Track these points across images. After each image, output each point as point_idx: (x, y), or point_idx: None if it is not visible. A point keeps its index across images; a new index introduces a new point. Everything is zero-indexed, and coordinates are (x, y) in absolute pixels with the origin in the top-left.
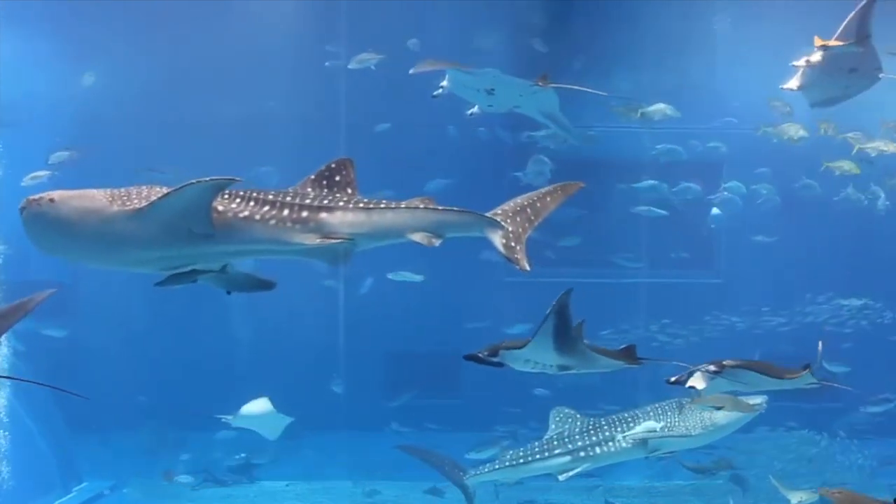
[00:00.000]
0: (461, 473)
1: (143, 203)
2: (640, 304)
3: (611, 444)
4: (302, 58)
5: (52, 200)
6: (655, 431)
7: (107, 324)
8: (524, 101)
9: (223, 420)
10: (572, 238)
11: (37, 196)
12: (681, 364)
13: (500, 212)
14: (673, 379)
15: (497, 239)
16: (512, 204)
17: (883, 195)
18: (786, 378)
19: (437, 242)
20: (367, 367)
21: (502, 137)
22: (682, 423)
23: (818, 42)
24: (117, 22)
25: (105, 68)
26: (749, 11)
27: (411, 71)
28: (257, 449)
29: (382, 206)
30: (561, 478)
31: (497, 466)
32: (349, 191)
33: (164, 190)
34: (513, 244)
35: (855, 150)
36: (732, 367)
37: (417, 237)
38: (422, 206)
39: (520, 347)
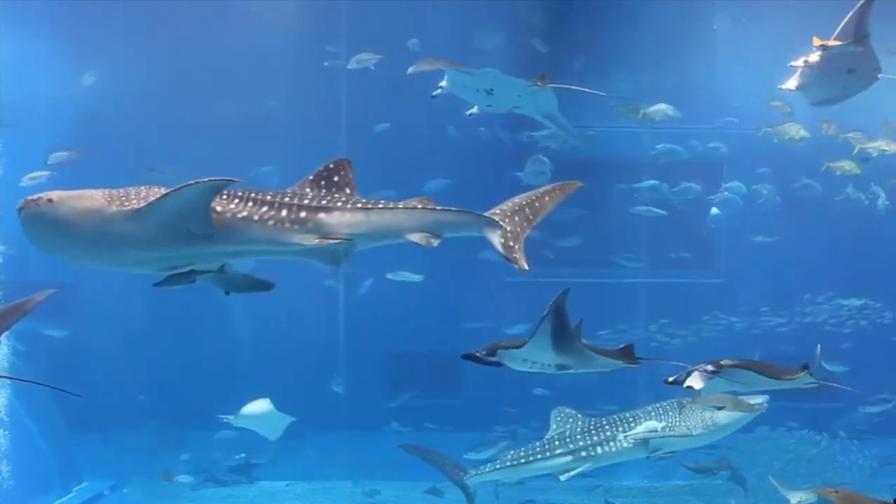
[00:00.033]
0: (462, 473)
1: (142, 203)
2: (639, 304)
3: (612, 443)
4: (302, 58)
5: (50, 201)
6: (657, 431)
7: (107, 324)
8: (523, 102)
9: (225, 420)
10: (572, 238)
11: (35, 196)
12: (679, 364)
13: (498, 211)
14: (671, 379)
15: (495, 238)
16: (510, 203)
17: (883, 195)
18: (783, 378)
19: (435, 243)
20: (367, 367)
21: (502, 137)
22: (683, 423)
23: (817, 42)
24: (117, 22)
25: (105, 68)
26: (749, 11)
27: (409, 70)
28: (257, 449)
29: (380, 206)
30: (562, 478)
31: (498, 466)
32: (347, 191)
33: (163, 190)
34: (511, 243)
35: (856, 150)
36: (730, 366)
37: (416, 237)
38: (420, 206)
39: (518, 347)
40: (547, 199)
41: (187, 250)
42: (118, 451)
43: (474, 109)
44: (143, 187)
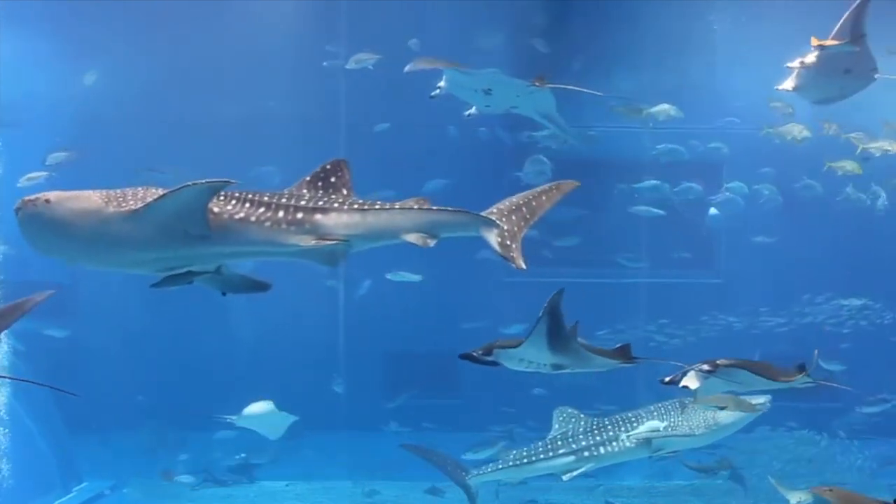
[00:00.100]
0: (464, 473)
1: (139, 204)
2: (639, 304)
3: (615, 443)
4: (302, 58)
5: (47, 201)
6: (659, 431)
7: (106, 324)
8: (521, 102)
9: (228, 420)
10: (571, 238)
11: (33, 197)
12: (676, 364)
13: (495, 211)
14: (667, 379)
15: (492, 238)
16: (507, 203)
17: (884, 195)
18: (780, 378)
19: (431, 243)
20: (367, 367)
21: (502, 137)
22: (685, 423)
23: (814, 42)
24: (117, 22)
25: (105, 68)
26: (749, 11)
27: (407, 68)
28: (257, 449)
29: (377, 207)
30: (565, 478)
31: (500, 466)
32: (344, 192)
33: (160, 191)
34: (508, 242)
35: (859, 150)
36: (726, 366)
37: (412, 238)
38: (416, 206)
39: (514, 347)
40: (544, 198)
41: (184, 251)
42: (118, 451)
43: (472, 110)
44: (140, 188)
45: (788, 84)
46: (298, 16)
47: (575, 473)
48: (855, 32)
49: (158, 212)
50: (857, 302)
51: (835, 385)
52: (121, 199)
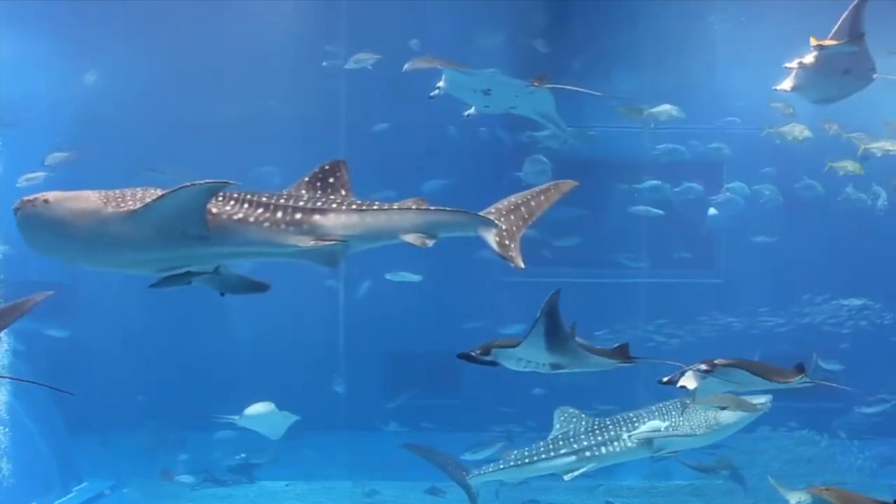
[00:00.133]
0: (465, 473)
1: (138, 205)
2: (639, 305)
3: (616, 443)
4: (302, 58)
5: (46, 201)
6: (660, 431)
7: (106, 324)
8: (520, 102)
9: (230, 420)
10: (571, 238)
11: (31, 197)
12: (674, 364)
13: (493, 210)
14: (665, 379)
15: (491, 237)
16: (506, 202)
17: (884, 195)
18: (778, 377)
19: (430, 243)
20: (367, 367)
21: (502, 138)
22: (686, 423)
23: (813, 42)
24: (117, 22)
25: (105, 68)
26: (749, 11)
27: (405, 67)
28: (257, 449)
29: (375, 207)
30: (566, 478)
31: (502, 466)
32: (343, 192)
33: (159, 192)
34: (507, 242)
35: (861, 151)
36: (724, 365)
37: (410, 238)
38: (414, 206)
39: (513, 346)
40: (542, 198)
41: (183, 252)
42: (118, 451)
43: (472, 110)
44: (139, 188)
45: (787, 84)
46: (298, 16)
47: (576, 473)
48: (853, 32)
49: (157, 212)
50: (857, 302)
51: (833, 385)
52: (119, 200)
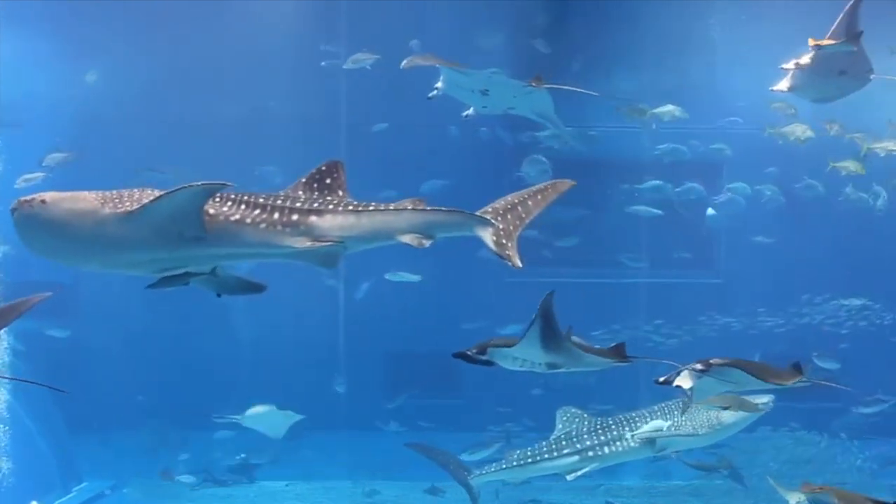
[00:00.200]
0: (466, 473)
1: (135, 206)
2: (638, 305)
3: (619, 443)
4: (302, 58)
5: (43, 202)
6: (662, 431)
7: (107, 324)
8: (518, 103)
9: (233, 420)
10: (570, 238)
11: (28, 197)
12: (671, 363)
13: (490, 210)
14: (662, 379)
15: (488, 237)
16: (503, 202)
17: (885, 195)
18: (775, 377)
19: (427, 243)
20: (367, 367)
21: (503, 138)
22: (688, 423)
23: (812, 42)
24: (117, 22)
25: (105, 68)
26: (749, 11)
27: (403, 64)
28: (257, 449)
29: (371, 208)
30: (569, 478)
31: (504, 466)
32: (340, 193)
33: (156, 193)
34: (504, 241)
35: (864, 151)
36: (720, 365)
37: (407, 238)
38: (411, 207)
39: (509, 346)
40: (539, 197)
41: (180, 253)
42: (118, 451)
43: (470, 111)
44: (136, 189)
45: (783, 85)
46: (298, 16)
47: (579, 473)
48: (850, 32)
49: (154, 213)
50: (856, 302)
51: (831, 385)
52: (117, 201)
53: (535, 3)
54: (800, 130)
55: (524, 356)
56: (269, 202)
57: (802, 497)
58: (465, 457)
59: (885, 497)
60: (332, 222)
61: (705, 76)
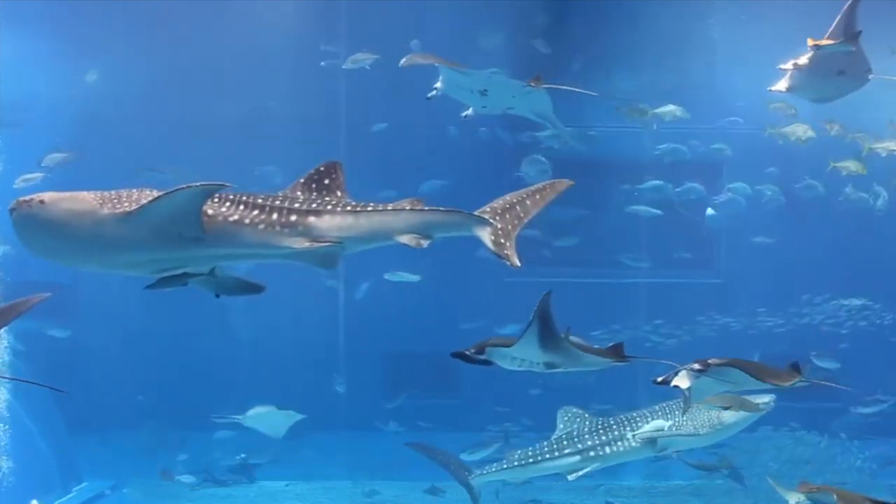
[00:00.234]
0: (467, 473)
1: (134, 206)
2: (638, 305)
3: (620, 443)
4: (302, 58)
5: (42, 202)
6: (664, 430)
7: (107, 324)
8: (517, 103)
9: (234, 419)
10: (570, 238)
11: (27, 197)
12: (670, 363)
13: (488, 209)
14: (659, 379)
15: (486, 236)
16: (501, 202)
17: (885, 195)
18: (774, 377)
19: (425, 243)
20: (366, 367)
21: (503, 138)
22: (690, 422)
23: (811, 42)
24: (117, 22)
25: (105, 68)
26: (749, 11)
27: (402, 62)
28: (257, 449)
29: (370, 208)
30: (570, 478)
31: (505, 466)
32: (338, 193)
33: (155, 193)
34: (502, 241)
35: (865, 151)
36: (717, 365)
37: (405, 239)
38: (409, 207)
39: (507, 346)
40: (538, 196)
41: (178, 253)
42: (118, 451)
43: (469, 111)
44: (135, 190)
45: (782, 85)
46: (298, 16)
47: (580, 473)
48: (848, 31)
49: (153, 214)
50: (856, 302)
51: (830, 385)
52: (115, 201)
53: (535, 3)
54: (801, 130)
55: (522, 356)
56: (268, 203)
57: (802, 497)
58: (464, 457)
59: (885, 497)
60: (331, 223)
61: (705, 76)
